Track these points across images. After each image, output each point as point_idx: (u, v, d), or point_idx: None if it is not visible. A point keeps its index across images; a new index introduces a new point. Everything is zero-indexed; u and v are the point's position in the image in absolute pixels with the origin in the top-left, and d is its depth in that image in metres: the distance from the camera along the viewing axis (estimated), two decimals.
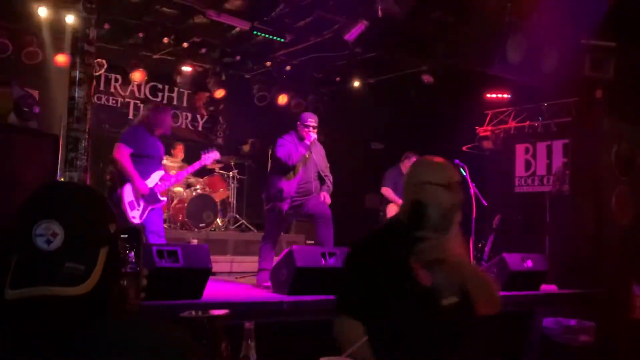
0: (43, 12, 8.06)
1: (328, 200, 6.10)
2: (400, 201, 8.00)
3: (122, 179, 5.58)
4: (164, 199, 5.88)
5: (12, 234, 1.28)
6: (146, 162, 5.68)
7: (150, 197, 5.67)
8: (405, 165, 8.26)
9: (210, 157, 6.20)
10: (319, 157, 6.20)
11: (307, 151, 6.03)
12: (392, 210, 8.04)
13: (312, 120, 6.09)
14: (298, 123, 6.16)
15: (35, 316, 1.22)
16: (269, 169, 9.13)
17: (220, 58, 10.02)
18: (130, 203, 5.56)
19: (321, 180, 6.20)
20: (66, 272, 1.24)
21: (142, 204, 5.63)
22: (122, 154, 5.55)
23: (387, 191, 8.16)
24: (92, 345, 1.20)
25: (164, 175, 5.86)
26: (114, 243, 1.35)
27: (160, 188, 5.77)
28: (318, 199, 6.07)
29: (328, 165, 6.40)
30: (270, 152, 9.42)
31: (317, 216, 6.01)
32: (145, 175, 5.66)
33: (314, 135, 6.03)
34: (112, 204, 5.39)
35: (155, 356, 1.22)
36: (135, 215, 5.59)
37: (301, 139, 6.09)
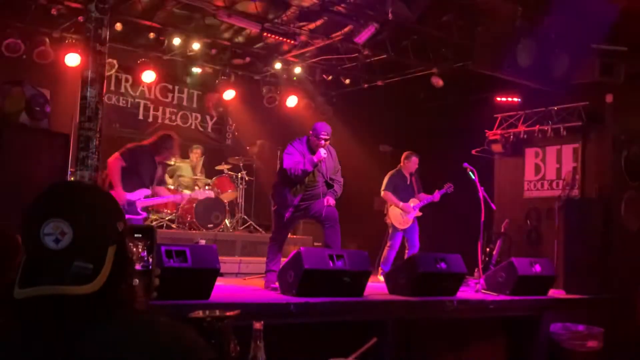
0: (55, 12, 8.09)
1: (332, 203, 6.07)
2: (400, 204, 7.96)
3: (107, 185, 6.02)
4: (143, 214, 6.31)
5: (21, 233, 1.28)
6: (135, 179, 6.09)
7: (128, 207, 6.02)
8: (407, 165, 8.22)
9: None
10: (329, 162, 6.11)
11: (313, 168, 5.95)
12: (394, 213, 8.01)
13: (324, 133, 5.96)
14: (310, 132, 6.06)
15: (44, 315, 1.23)
16: (277, 171, 9.15)
17: (230, 59, 10.05)
18: None
19: (328, 184, 6.15)
20: (74, 271, 1.25)
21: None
22: (115, 163, 5.99)
23: (386, 195, 8.08)
24: (101, 343, 1.20)
25: (149, 193, 6.30)
26: (122, 242, 1.35)
27: (142, 203, 6.20)
28: (324, 202, 6.05)
29: (339, 168, 6.33)
30: (279, 154, 9.43)
31: (323, 219, 5.99)
32: (130, 189, 6.04)
33: (324, 152, 5.91)
34: None
35: (164, 355, 1.22)
36: None
37: (312, 150, 6.02)
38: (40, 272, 1.25)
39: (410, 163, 8.19)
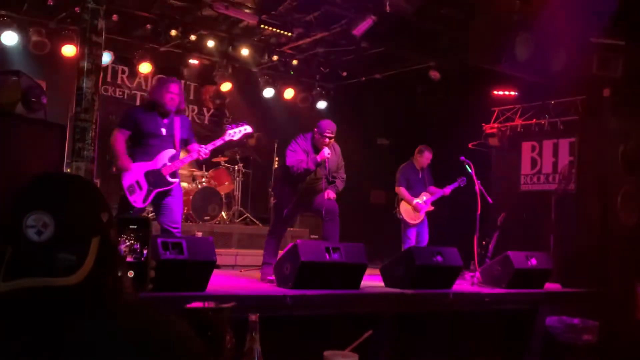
0: (51, 2, 8.06)
1: (333, 197, 6.07)
2: (414, 201, 7.88)
3: (115, 167, 5.33)
4: (175, 180, 5.35)
5: (5, 225, 1.28)
6: (150, 142, 5.29)
7: (154, 179, 5.24)
8: (419, 159, 8.15)
9: (239, 133, 5.72)
10: (332, 159, 6.08)
11: (315, 167, 5.93)
12: (405, 208, 7.92)
13: (329, 131, 5.94)
14: (315, 130, 6.04)
15: (27, 307, 1.22)
16: (276, 164, 9.14)
17: (227, 51, 10.02)
18: (130, 187, 5.18)
19: (330, 181, 6.13)
20: (57, 263, 1.24)
21: (144, 186, 5.22)
22: (114, 136, 5.25)
23: (400, 190, 7.94)
24: (84, 335, 1.19)
25: (174, 154, 5.38)
26: (106, 233, 1.34)
27: (170, 168, 5.29)
28: (324, 195, 6.04)
29: (343, 165, 6.32)
30: (276, 146, 9.43)
31: (324, 212, 5.99)
32: (150, 155, 5.27)
33: (327, 151, 5.89)
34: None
35: (151, 346, 1.21)
36: (136, 200, 5.19)
37: (316, 148, 5.99)
38: (23, 265, 1.24)
39: (422, 158, 8.06)
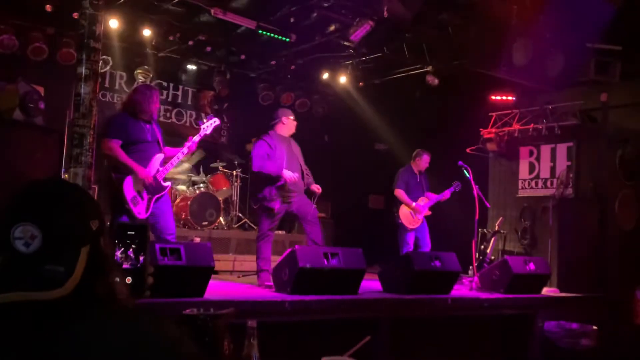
0: (49, 8, 8.07)
1: (319, 190, 6.12)
2: (413, 204, 7.87)
3: (119, 174, 5.17)
4: (167, 184, 5.47)
5: None
6: (141, 149, 5.28)
7: (152, 186, 5.26)
8: (417, 163, 8.12)
9: (210, 126, 5.83)
10: (297, 151, 6.20)
11: (283, 147, 6.05)
12: (404, 212, 7.91)
13: (289, 113, 6.29)
14: (275, 121, 6.25)
15: (15, 321, 1.20)
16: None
17: (225, 57, 10.03)
18: (133, 199, 5.15)
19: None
20: (46, 275, 1.23)
21: (145, 196, 5.23)
22: (114, 149, 5.14)
23: (399, 193, 7.91)
24: (77, 339, 1.18)
25: (164, 157, 5.46)
26: (96, 241, 1.32)
27: (162, 173, 5.36)
28: (304, 198, 6.05)
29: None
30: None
31: (303, 215, 5.97)
32: (146, 161, 5.27)
33: (289, 175, 5.88)
34: (120, 202, 5.13)
35: (143, 351, 1.20)
36: (140, 211, 5.18)
37: (280, 137, 6.14)
38: (11, 277, 1.23)
39: (421, 161, 8.05)
